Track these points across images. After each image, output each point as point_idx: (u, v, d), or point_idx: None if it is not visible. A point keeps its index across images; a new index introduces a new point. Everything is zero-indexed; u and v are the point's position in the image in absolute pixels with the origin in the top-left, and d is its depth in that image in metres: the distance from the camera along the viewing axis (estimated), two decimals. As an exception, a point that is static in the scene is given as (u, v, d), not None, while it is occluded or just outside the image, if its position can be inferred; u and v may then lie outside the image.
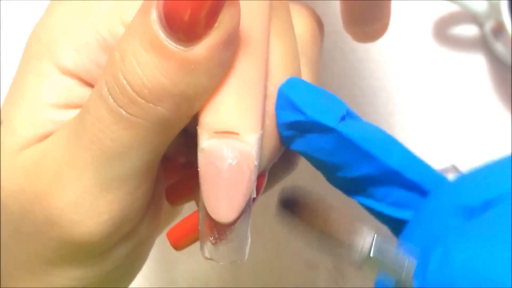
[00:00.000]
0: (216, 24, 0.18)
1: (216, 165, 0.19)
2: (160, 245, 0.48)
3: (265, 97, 0.20)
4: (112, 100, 0.19)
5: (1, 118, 0.23)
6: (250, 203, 0.20)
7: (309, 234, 0.24)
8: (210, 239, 0.20)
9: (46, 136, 0.22)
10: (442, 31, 0.48)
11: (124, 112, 0.19)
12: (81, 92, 0.22)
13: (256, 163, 0.20)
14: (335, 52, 0.48)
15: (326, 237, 0.23)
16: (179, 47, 0.18)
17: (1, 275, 0.24)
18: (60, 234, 0.21)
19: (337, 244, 0.23)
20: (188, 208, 0.26)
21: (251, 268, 0.47)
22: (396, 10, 0.48)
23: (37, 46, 0.23)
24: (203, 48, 0.18)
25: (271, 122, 0.21)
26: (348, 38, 0.50)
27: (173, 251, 0.49)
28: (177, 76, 0.19)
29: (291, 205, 0.23)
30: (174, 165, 0.27)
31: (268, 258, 0.47)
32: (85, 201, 0.21)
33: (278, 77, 0.21)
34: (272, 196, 0.47)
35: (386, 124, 0.48)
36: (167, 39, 0.18)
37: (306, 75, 0.23)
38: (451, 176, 0.46)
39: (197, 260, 0.48)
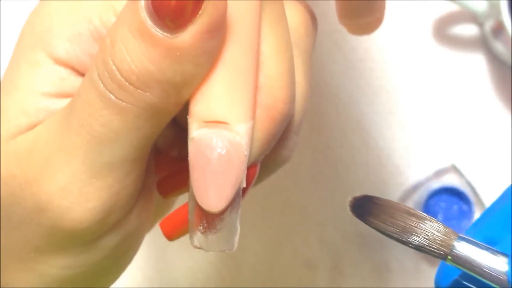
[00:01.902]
0: (200, 12, 0.18)
1: (205, 154, 0.20)
2: (160, 244, 0.48)
3: (256, 87, 0.21)
4: (102, 85, 0.20)
5: None
6: (239, 193, 0.20)
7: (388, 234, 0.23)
8: (199, 228, 0.21)
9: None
10: (442, 31, 0.48)
11: (113, 97, 0.20)
12: (74, 82, 0.23)
13: (246, 153, 0.20)
14: (335, 52, 0.48)
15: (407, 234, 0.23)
16: (165, 34, 0.19)
17: None
18: (48, 221, 0.21)
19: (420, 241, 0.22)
20: (180, 201, 0.26)
21: (251, 268, 0.47)
22: (396, 10, 0.48)
23: (31, 36, 0.23)
24: (188, 35, 0.19)
25: (262, 112, 0.21)
26: (348, 37, 0.50)
27: (173, 250, 0.49)
28: (164, 63, 0.19)
29: (364, 213, 0.23)
30: (166, 158, 0.27)
31: (268, 258, 0.47)
32: (74, 187, 0.21)
33: (270, 67, 0.21)
34: (272, 197, 0.47)
35: (386, 124, 0.48)
36: (154, 26, 0.19)
37: (298, 67, 0.23)
38: (451, 176, 0.46)
39: (197, 259, 0.48)
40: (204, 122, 0.20)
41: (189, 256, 0.48)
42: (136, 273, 0.48)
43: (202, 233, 0.21)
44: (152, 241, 0.47)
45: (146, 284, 0.48)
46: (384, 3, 0.27)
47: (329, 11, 0.48)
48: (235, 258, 0.47)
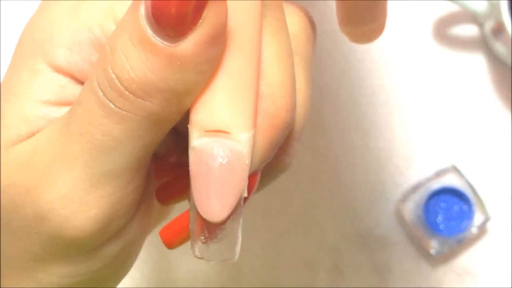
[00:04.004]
0: (200, 20, 0.18)
1: (207, 163, 0.19)
2: (160, 246, 0.48)
3: (257, 95, 0.20)
4: (102, 94, 0.19)
5: None
6: (241, 202, 0.20)
7: None
8: (201, 238, 0.20)
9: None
10: (442, 31, 0.48)
11: (113, 106, 0.19)
12: (74, 90, 0.22)
13: (247, 162, 0.20)
14: (335, 52, 0.48)
15: None
16: (165, 43, 0.19)
17: None
18: (49, 229, 0.21)
19: None
20: (178, 209, 0.26)
21: (251, 268, 0.47)
22: (396, 10, 0.48)
23: (30, 43, 0.23)
24: (188, 44, 0.19)
25: (264, 121, 0.21)
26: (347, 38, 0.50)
27: (173, 250, 0.49)
28: (164, 72, 0.19)
29: None
30: (165, 165, 0.27)
31: (268, 258, 0.47)
32: (75, 196, 0.21)
33: (272, 75, 0.21)
34: (272, 197, 0.47)
35: (386, 124, 0.48)
36: (154, 35, 0.18)
37: (299, 74, 0.23)
38: (451, 176, 0.46)
39: (196, 260, 0.48)
40: (205, 131, 0.20)
41: (188, 256, 0.48)
42: (135, 274, 0.48)
43: (203, 243, 0.20)
44: (151, 242, 0.47)
45: (146, 284, 0.48)
46: (386, 11, 0.27)
47: (328, 12, 0.48)
48: (235, 259, 0.47)
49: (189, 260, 0.48)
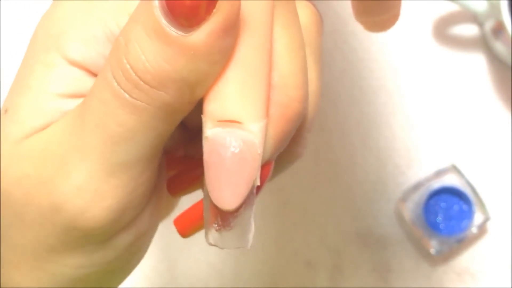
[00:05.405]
0: (214, 11, 0.19)
1: (219, 153, 0.20)
2: (161, 245, 0.48)
3: (269, 86, 0.21)
4: (116, 84, 0.20)
5: (6, 107, 0.23)
6: (253, 191, 0.21)
7: None
8: (214, 226, 0.21)
9: None
10: (442, 30, 0.48)
11: (128, 97, 0.20)
12: (89, 83, 0.22)
13: (259, 152, 0.20)
14: (335, 52, 0.48)
15: None
16: (180, 33, 0.19)
17: (1, 264, 0.24)
18: (64, 220, 0.21)
19: None
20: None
21: (251, 268, 0.47)
22: (396, 10, 0.48)
23: (45, 38, 0.23)
24: (202, 33, 0.19)
25: (277, 111, 0.21)
26: (348, 38, 0.50)
27: (174, 250, 0.49)
28: (178, 62, 0.19)
29: None
30: (173, 159, 0.27)
31: (268, 258, 0.47)
32: (90, 186, 0.21)
33: (284, 66, 0.21)
34: (272, 197, 0.47)
35: (387, 124, 0.48)
36: (168, 25, 0.19)
37: (311, 65, 0.23)
38: (451, 176, 0.46)
39: (197, 260, 0.48)
40: (218, 121, 0.20)
41: (189, 256, 0.48)
42: (136, 273, 0.48)
43: (216, 230, 0.21)
44: (153, 241, 0.47)
45: (147, 284, 0.48)
46: (400, 2, 0.27)
47: (329, 11, 0.48)
48: (236, 258, 0.47)
49: (190, 260, 0.48)
